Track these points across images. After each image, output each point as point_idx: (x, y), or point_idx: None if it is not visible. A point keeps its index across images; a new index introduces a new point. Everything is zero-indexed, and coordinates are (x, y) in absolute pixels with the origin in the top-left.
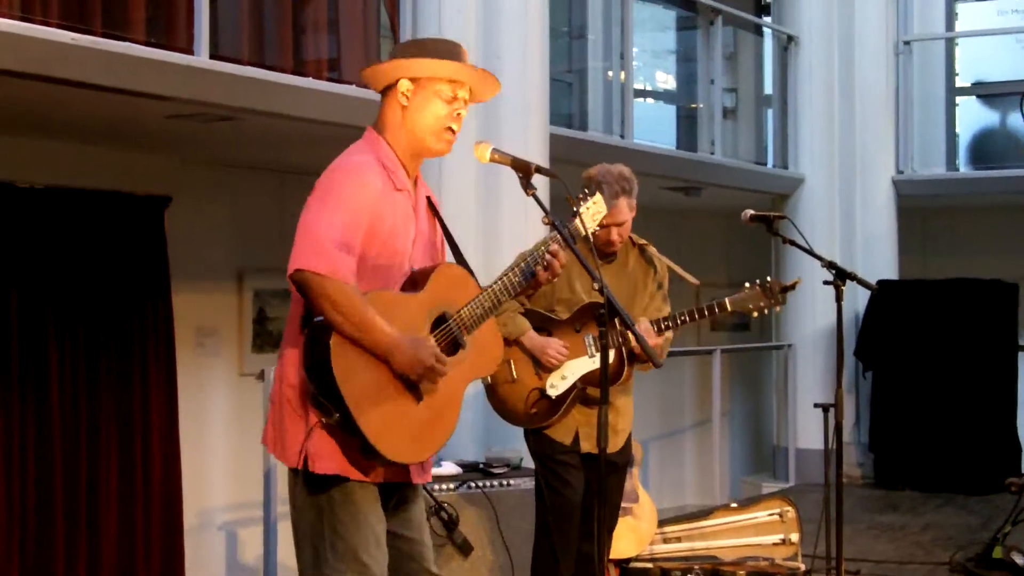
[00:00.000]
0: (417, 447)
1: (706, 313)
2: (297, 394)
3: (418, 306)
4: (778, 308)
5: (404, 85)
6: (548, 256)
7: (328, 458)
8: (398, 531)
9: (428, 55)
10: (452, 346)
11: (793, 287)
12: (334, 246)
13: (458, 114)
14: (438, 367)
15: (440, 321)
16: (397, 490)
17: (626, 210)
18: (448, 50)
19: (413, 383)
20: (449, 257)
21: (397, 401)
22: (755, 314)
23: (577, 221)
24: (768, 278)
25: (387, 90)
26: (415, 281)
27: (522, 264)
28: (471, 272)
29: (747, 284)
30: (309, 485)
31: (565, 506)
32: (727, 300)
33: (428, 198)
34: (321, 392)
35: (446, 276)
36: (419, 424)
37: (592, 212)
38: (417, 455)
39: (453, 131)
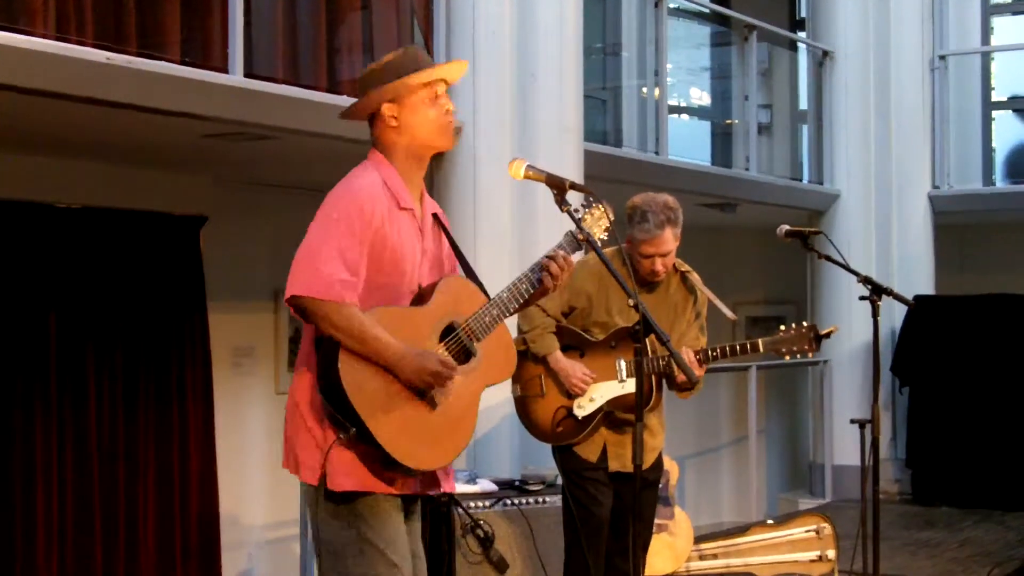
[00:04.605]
0: (435, 453)
1: (738, 351)
2: (310, 412)
3: (425, 318)
4: (811, 354)
5: (387, 110)
6: (549, 260)
7: (348, 475)
8: None
9: (397, 75)
10: (464, 354)
11: (828, 335)
12: (331, 269)
13: (447, 109)
14: (443, 371)
15: (448, 331)
16: (412, 502)
17: (671, 240)
18: (412, 61)
19: (425, 391)
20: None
21: (410, 409)
22: (787, 357)
23: (575, 230)
24: (805, 323)
25: (373, 117)
26: (422, 296)
27: (529, 272)
28: (480, 284)
29: (782, 327)
30: (333, 497)
31: (593, 521)
32: (760, 341)
33: (436, 215)
34: (336, 408)
35: (451, 287)
36: (436, 430)
37: (597, 220)
38: (436, 461)
39: (449, 117)
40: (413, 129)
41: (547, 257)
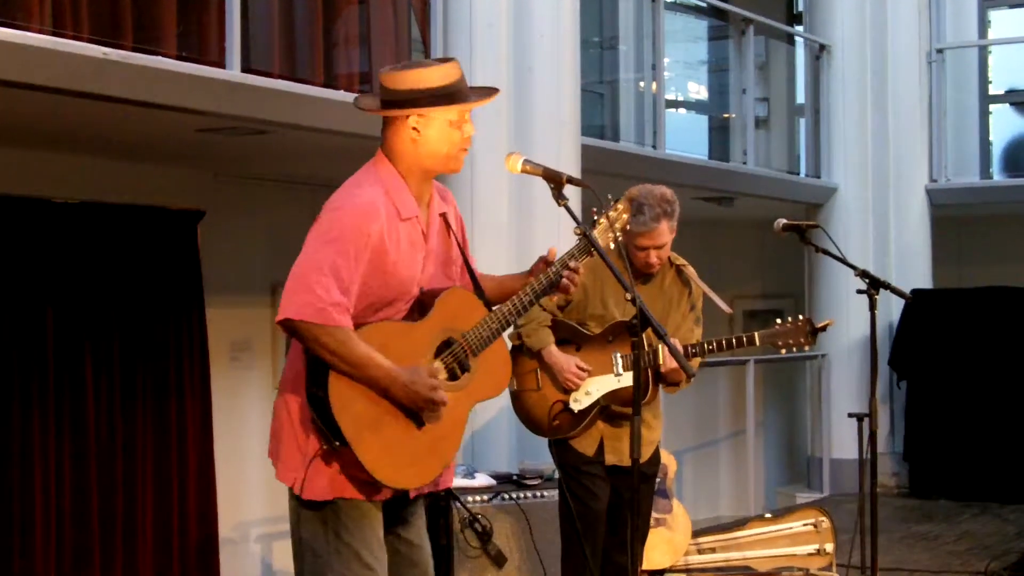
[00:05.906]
0: (418, 471)
1: (734, 344)
2: (297, 417)
3: (422, 333)
4: (807, 347)
5: (413, 121)
6: (564, 276)
7: (327, 483)
8: (400, 533)
9: (438, 102)
10: (459, 368)
11: (824, 328)
12: (324, 291)
13: (468, 135)
14: (436, 398)
15: (446, 345)
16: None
17: (667, 232)
18: (454, 88)
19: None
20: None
21: (397, 428)
22: (783, 351)
23: (596, 233)
24: (800, 316)
25: (392, 118)
26: (422, 305)
27: (534, 283)
28: (482, 293)
29: (778, 320)
30: (311, 499)
31: (590, 515)
32: (756, 334)
33: (444, 215)
34: (321, 420)
35: (453, 300)
36: (420, 449)
37: (614, 222)
38: (417, 480)
39: (468, 144)
40: (430, 147)
41: (566, 267)
